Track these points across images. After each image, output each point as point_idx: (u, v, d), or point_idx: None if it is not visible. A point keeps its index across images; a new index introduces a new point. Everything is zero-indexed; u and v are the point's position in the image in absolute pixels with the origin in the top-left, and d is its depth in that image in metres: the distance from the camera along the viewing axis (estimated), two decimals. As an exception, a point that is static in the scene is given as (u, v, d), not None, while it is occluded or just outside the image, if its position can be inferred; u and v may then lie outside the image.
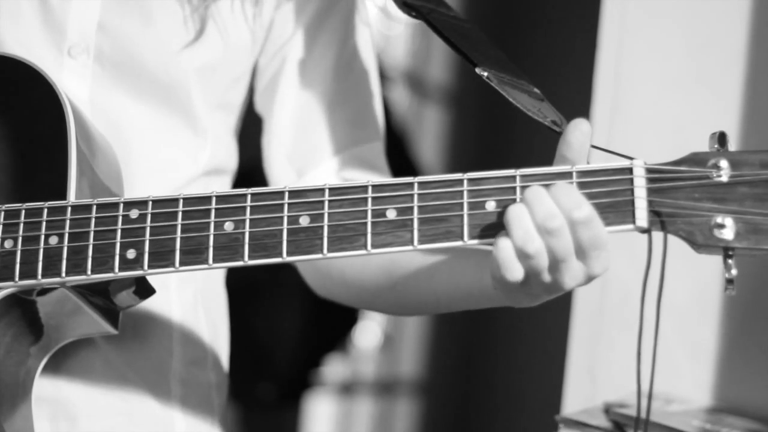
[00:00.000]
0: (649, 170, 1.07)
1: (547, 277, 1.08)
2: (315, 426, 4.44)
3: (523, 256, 1.07)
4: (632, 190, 1.07)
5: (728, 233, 1.04)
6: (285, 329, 3.38)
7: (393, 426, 4.86)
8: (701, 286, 1.65)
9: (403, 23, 4.63)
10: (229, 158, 1.47)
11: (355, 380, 4.67)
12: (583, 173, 1.08)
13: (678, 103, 1.68)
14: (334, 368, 4.25)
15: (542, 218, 1.06)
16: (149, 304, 1.25)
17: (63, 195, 1.19)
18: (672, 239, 1.07)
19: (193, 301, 1.45)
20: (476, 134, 4.75)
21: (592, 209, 1.06)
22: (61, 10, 1.32)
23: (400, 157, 3.69)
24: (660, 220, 1.06)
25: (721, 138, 1.07)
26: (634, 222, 1.07)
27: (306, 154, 1.42)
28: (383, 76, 3.74)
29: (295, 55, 1.42)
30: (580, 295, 1.73)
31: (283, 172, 1.43)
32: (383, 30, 4.47)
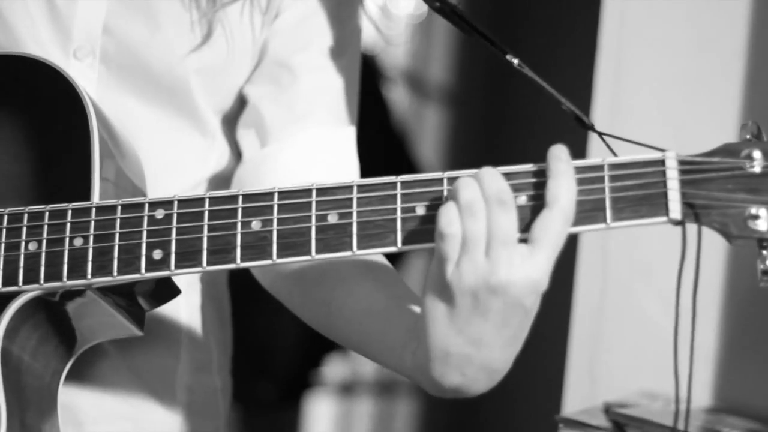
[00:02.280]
0: (681, 162, 1.06)
1: (452, 266, 1.05)
2: (315, 426, 4.44)
3: (439, 236, 1.05)
4: (665, 182, 1.05)
5: (763, 224, 1.03)
6: (285, 329, 3.38)
7: (393, 426, 4.86)
8: (701, 286, 1.64)
9: (403, 23, 4.63)
10: (237, 165, 1.46)
11: (355, 380, 4.67)
12: (614, 166, 1.07)
13: (678, 103, 1.68)
14: (334, 368, 4.25)
15: (466, 201, 1.04)
16: (157, 310, 1.25)
17: (87, 195, 1.18)
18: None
19: (199, 305, 1.44)
20: (476, 134, 4.75)
21: (513, 198, 1.04)
22: (67, 11, 1.32)
23: (400, 157, 3.68)
24: (694, 212, 1.05)
25: (754, 128, 1.06)
26: (667, 214, 1.05)
27: (275, 126, 1.39)
28: (383, 76, 3.75)
29: (285, 29, 1.39)
30: (580, 294, 1.73)
31: (246, 140, 1.40)
32: (383, 30, 4.47)
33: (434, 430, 4.87)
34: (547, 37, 4.31)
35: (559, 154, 1.06)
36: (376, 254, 1.24)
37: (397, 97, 4.40)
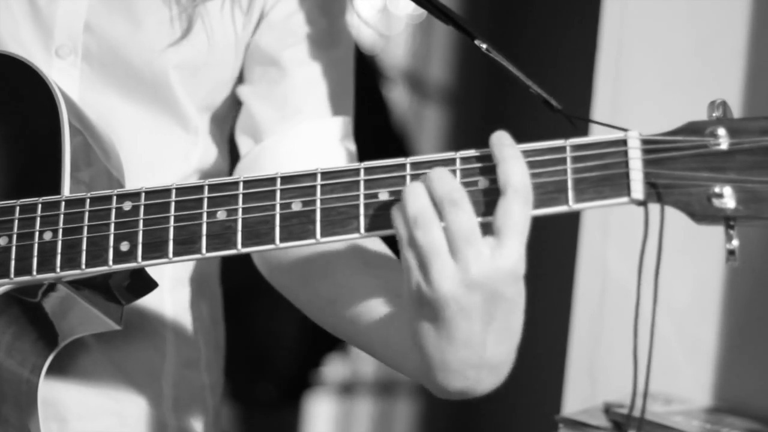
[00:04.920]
0: (644, 141, 1.05)
1: (422, 280, 1.04)
2: (315, 426, 4.44)
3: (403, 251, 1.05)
4: (627, 162, 1.04)
5: (728, 202, 1.01)
6: (285, 329, 3.38)
7: (393, 426, 4.86)
8: (701, 285, 1.64)
9: (403, 23, 4.63)
10: (223, 162, 1.46)
11: (355, 380, 4.67)
12: (577, 147, 1.06)
13: (678, 103, 1.68)
14: (334, 368, 4.25)
15: (412, 211, 1.04)
16: (142, 305, 1.25)
17: (58, 190, 1.18)
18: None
19: (187, 302, 1.44)
20: (476, 134, 4.75)
21: (465, 195, 1.03)
22: (48, 10, 1.33)
23: (399, 156, 3.68)
24: (656, 191, 1.03)
25: (721, 106, 1.04)
26: (629, 194, 1.04)
27: (269, 123, 1.38)
28: (383, 76, 3.75)
29: (274, 26, 1.39)
30: (580, 295, 1.73)
31: (243, 141, 1.40)
32: (383, 30, 4.47)
33: (434, 430, 4.87)
34: (547, 37, 4.31)
35: (501, 140, 1.07)
36: (375, 241, 1.24)
37: (397, 97, 4.40)
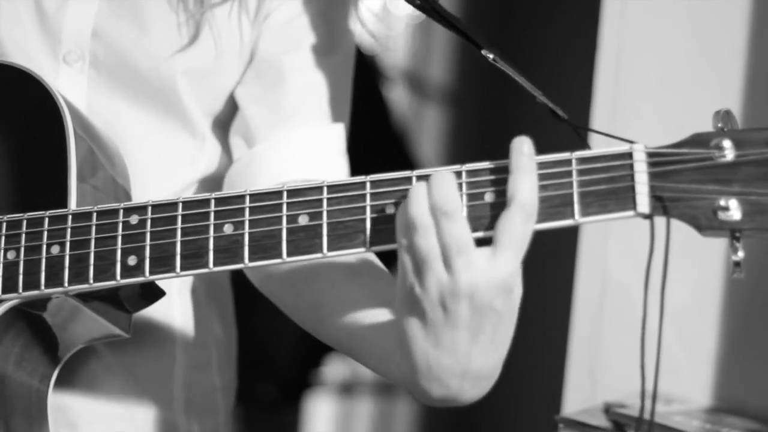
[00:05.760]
0: (649, 154, 1.05)
1: (416, 282, 1.04)
2: (315, 426, 4.44)
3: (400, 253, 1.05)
4: (632, 176, 1.04)
5: (733, 215, 1.01)
6: (285, 329, 3.37)
7: (393, 426, 4.86)
8: (701, 286, 1.65)
9: (403, 23, 4.63)
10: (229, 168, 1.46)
11: (355, 380, 4.67)
12: (582, 160, 1.06)
13: (678, 103, 1.68)
14: (334, 368, 4.24)
15: (411, 215, 1.03)
16: (151, 309, 1.25)
17: (65, 203, 1.18)
18: (675, 232, 1.05)
19: (196, 305, 1.44)
20: (476, 134, 4.75)
21: (459, 206, 1.03)
22: (55, 17, 1.33)
23: (399, 156, 3.68)
24: (662, 205, 1.03)
25: (726, 116, 1.04)
26: (635, 208, 1.04)
27: (262, 126, 1.38)
28: (383, 76, 3.74)
29: (273, 29, 1.39)
30: (580, 295, 1.73)
31: (236, 143, 1.40)
32: (383, 30, 4.47)
33: (434, 430, 4.87)
34: (547, 37, 4.30)
35: (520, 148, 1.05)
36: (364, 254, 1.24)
37: (397, 97, 4.39)
